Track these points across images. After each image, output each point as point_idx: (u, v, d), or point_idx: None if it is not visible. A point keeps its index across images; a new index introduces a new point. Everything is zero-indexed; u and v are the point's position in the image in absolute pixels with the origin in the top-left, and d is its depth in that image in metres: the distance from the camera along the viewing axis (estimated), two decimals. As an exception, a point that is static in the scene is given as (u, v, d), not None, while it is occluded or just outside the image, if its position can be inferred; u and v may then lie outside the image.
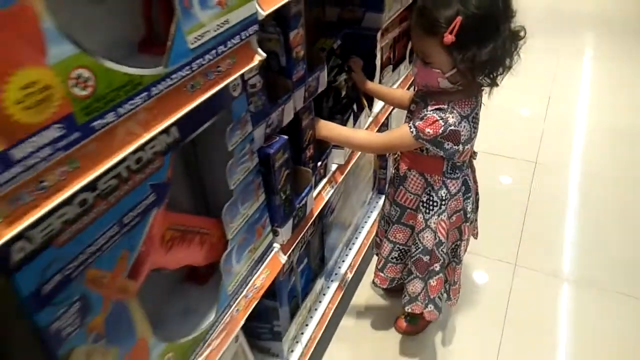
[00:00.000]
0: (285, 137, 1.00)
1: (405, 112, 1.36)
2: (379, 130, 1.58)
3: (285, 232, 1.09)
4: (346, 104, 1.40)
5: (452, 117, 1.14)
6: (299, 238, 1.18)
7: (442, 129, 1.13)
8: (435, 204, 1.29)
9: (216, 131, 0.80)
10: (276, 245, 1.09)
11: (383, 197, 1.92)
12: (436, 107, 1.17)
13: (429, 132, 1.15)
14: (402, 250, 1.45)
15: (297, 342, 1.42)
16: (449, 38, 1.05)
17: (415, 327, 1.67)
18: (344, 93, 1.40)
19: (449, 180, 1.28)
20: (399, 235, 1.42)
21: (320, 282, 1.52)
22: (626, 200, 2.20)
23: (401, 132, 1.22)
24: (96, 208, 0.58)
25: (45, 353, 0.57)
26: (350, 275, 1.68)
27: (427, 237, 1.33)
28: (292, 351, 1.39)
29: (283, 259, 1.10)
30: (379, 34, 1.44)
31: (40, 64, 0.46)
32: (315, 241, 1.46)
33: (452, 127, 1.13)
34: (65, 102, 0.49)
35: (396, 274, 1.51)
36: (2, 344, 0.60)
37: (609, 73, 3.32)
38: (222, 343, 0.93)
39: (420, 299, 1.43)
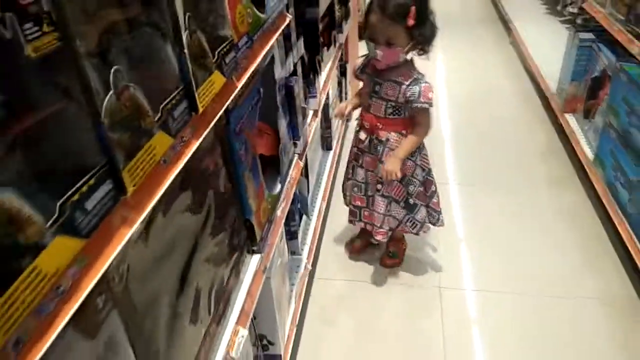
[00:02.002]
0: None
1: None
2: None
3: (300, 144, 1.64)
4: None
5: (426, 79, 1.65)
6: (304, 154, 1.73)
7: (431, 90, 1.65)
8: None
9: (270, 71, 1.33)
10: (296, 155, 1.63)
11: (330, 152, 2.54)
12: (413, 77, 1.63)
13: (431, 96, 1.63)
14: (390, 202, 1.81)
15: (304, 243, 1.95)
16: (412, 22, 1.51)
17: (398, 260, 2.06)
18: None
19: None
20: (389, 189, 1.79)
21: (312, 204, 2.07)
22: (476, 123, 3.07)
23: (423, 117, 1.67)
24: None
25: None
26: (324, 205, 2.24)
27: (418, 173, 1.77)
28: (302, 249, 1.92)
29: (301, 163, 1.65)
30: (319, 22, 2.05)
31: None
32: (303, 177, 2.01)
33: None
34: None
35: (392, 224, 1.86)
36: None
37: (458, 54, 4.30)
38: (286, 205, 1.45)
39: (429, 219, 1.87)
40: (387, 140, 1.74)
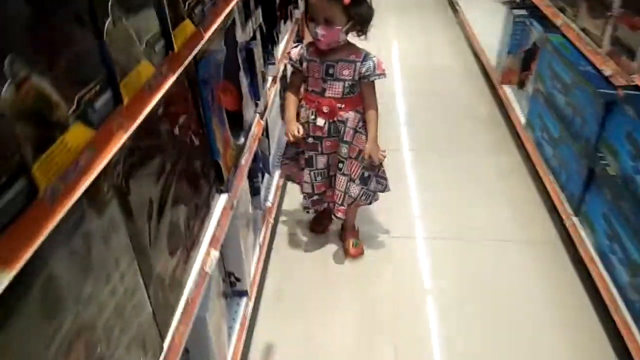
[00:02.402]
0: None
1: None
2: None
3: (261, 105, 1.80)
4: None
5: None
6: (265, 115, 1.90)
7: (382, 62, 1.76)
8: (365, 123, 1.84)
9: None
10: (258, 114, 1.79)
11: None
12: (364, 54, 1.74)
13: (384, 67, 1.76)
14: (349, 179, 1.89)
15: (267, 200, 2.13)
16: (347, 1, 1.62)
17: (360, 247, 2.10)
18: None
19: None
20: (349, 167, 1.87)
21: (272, 164, 2.24)
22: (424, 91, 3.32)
23: (371, 89, 1.78)
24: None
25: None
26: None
27: (368, 147, 1.83)
28: (265, 204, 2.09)
29: (262, 122, 1.81)
30: (275, -5, 2.21)
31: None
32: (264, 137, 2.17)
33: None
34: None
35: (348, 201, 1.92)
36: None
37: (411, 36, 4.54)
38: (249, 156, 1.62)
39: (378, 188, 1.97)
40: (347, 119, 1.81)
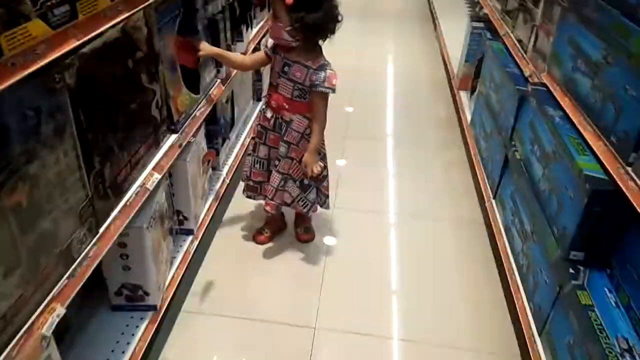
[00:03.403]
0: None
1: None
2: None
3: (223, 71, 2.06)
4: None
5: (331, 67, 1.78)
6: (227, 83, 2.15)
7: (336, 77, 1.77)
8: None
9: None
10: (219, 80, 2.05)
11: (260, 103, 2.95)
12: (320, 63, 1.74)
13: (335, 83, 1.75)
14: (286, 178, 1.94)
15: (225, 163, 2.38)
16: (288, 1, 1.62)
17: (311, 234, 2.23)
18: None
19: None
20: (286, 167, 1.92)
21: (234, 133, 2.49)
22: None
23: (320, 100, 1.77)
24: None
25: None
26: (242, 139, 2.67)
27: (306, 156, 1.85)
28: (223, 167, 2.34)
29: (223, 87, 2.07)
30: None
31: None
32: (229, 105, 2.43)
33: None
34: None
35: (281, 199, 1.99)
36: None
37: (394, 45, 4.85)
38: (205, 110, 1.87)
39: (317, 201, 2.04)
40: (291, 121, 1.85)
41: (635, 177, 1.23)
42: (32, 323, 0.97)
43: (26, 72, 0.86)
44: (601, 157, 1.39)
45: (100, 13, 1.07)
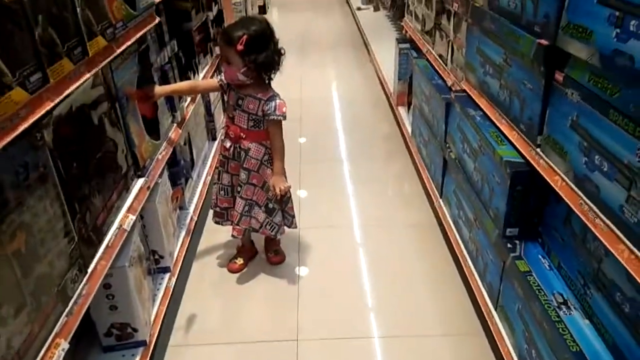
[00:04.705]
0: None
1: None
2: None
3: (178, 116, 2.22)
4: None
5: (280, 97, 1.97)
6: (183, 126, 2.31)
7: (285, 105, 1.97)
8: (271, 157, 2.02)
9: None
10: (175, 124, 2.20)
11: (215, 142, 3.11)
12: (270, 95, 1.91)
13: (285, 110, 1.94)
14: (250, 204, 2.07)
15: (191, 202, 2.50)
16: (239, 47, 1.81)
17: (281, 256, 2.35)
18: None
19: None
20: (249, 193, 2.05)
21: (195, 172, 2.63)
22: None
23: (275, 128, 1.95)
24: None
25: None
26: (209, 178, 2.81)
27: (273, 179, 2.01)
28: (189, 205, 2.47)
29: (180, 131, 2.22)
30: (192, 33, 2.67)
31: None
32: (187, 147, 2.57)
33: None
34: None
35: (248, 224, 2.11)
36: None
37: (333, 71, 5.15)
38: (166, 154, 2.01)
39: (284, 222, 2.17)
40: (249, 149, 2.00)
41: (544, 156, 1.47)
42: (42, 357, 1.07)
43: (15, 134, 1.00)
44: (516, 144, 1.64)
45: (66, 76, 1.23)
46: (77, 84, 1.27)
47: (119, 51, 1.53)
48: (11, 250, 1.01)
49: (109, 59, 1.46)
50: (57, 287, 1.17)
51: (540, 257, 1.62)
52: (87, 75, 1.33)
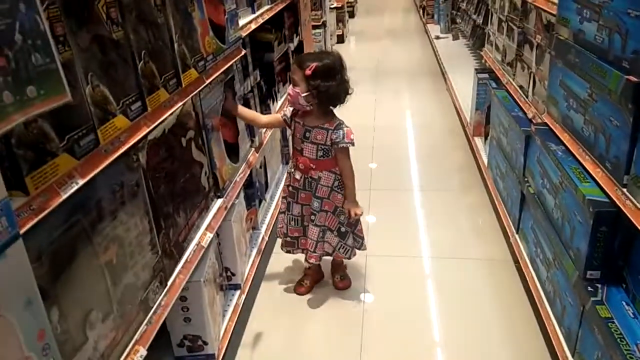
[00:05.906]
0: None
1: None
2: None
3: (256, 141, 2.33)
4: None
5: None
6: (260, 150, 2.42)
7: (352, 132, 2.03)
8: (342, 183, 2.09)
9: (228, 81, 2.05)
10: (253, 148, 2.32)
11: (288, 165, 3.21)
12: (336, 123, 1.99)
13: (352, 137, 2.00)
14: (324, 230, 2.13)
15: (263, 222, 2.60)
16: (308, 72, 1.93)
17: (348, 280, 2.38)
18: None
19: None
20: (322, 219, 2.12)
21: (269, 194, 2.73)
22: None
23: (343, 155, 2.02)
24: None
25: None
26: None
27: (347, 204, 2.09)
28: (262, 225, 2.56)
29: (257, 155, 2.33)
30: (274, 63, 2.81)
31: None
32: (262, 170, 2.68)
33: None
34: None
35: (323, 250, 2.18)
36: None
37: (410, 98, 5.15)
38: (244, 176, 2.12)
39: (355, 245, 2.22)
40: (320, 178, 2.07)
41: (630, 197, 1.38)
42: (123, 362, 1.17)
43: (115, 156, 1.12)
44: (600, 182, 1.55)
45: (161, 104, 1.35)
46: (171, 111, 1.39)
47: (208, 82, 1.65)
48: (104, 260, 1.12)
49: (199, 89, 1.58)
50: (140, 297, 1.26)
51: (624, 303, 1.51)
52: (180, 104, 1.45)
